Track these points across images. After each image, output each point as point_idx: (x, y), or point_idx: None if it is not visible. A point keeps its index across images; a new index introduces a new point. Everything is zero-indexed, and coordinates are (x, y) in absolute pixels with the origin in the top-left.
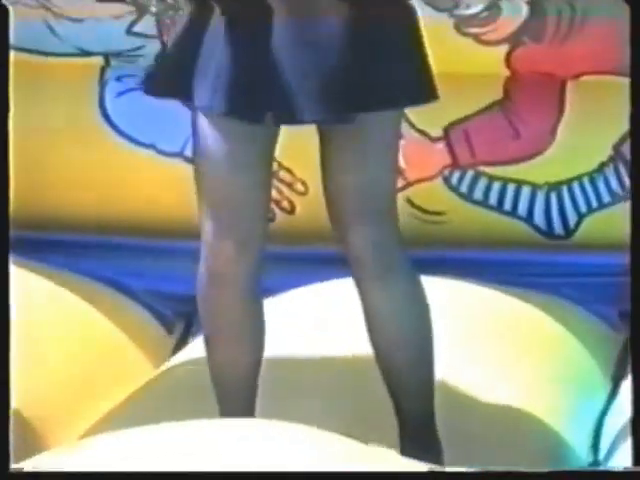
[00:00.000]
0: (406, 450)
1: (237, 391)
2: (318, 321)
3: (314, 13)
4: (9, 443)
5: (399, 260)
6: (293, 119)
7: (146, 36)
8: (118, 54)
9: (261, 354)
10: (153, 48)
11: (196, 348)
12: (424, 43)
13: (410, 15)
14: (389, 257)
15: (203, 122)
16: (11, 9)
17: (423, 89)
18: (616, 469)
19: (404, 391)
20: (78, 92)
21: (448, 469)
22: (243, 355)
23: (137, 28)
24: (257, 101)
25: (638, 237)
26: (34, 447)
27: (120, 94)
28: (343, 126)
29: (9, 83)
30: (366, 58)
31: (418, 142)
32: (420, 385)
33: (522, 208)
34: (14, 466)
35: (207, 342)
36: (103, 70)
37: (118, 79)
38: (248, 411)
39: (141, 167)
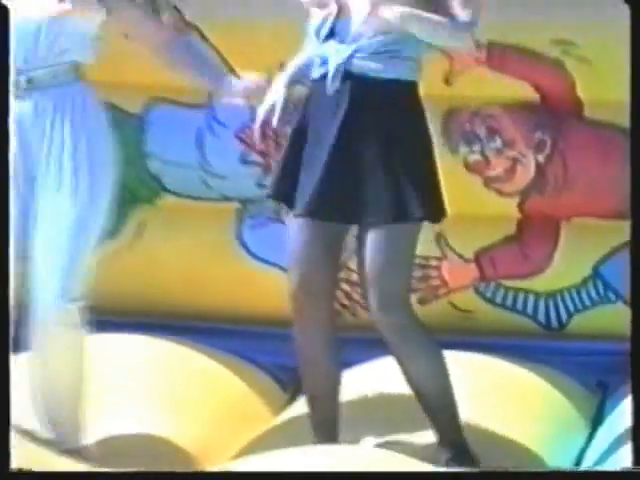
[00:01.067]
0: (444, 457)
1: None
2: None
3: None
4: (9, 443)
5: (418, 339)
6: (358, 221)
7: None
8: (251, 200)
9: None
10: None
11: (303, 403)
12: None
13: (429, 146)
14: (410, 339)
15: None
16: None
17: (439, 210)
18: (616, 469)
19: (433, 418)
20: (220, 224)
21: (448, 469)
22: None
23: (265, 182)
24: (330, 206)
25: (638, 237)
26: (189, 468)
27: (252, 225)
28: (376, 230)
29: (9, 83)
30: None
31: (457, 262)
32: (443, 415)
33: (529, 309)
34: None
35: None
36: (239, 210)
37: (251, 217)
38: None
39: (269, 276)
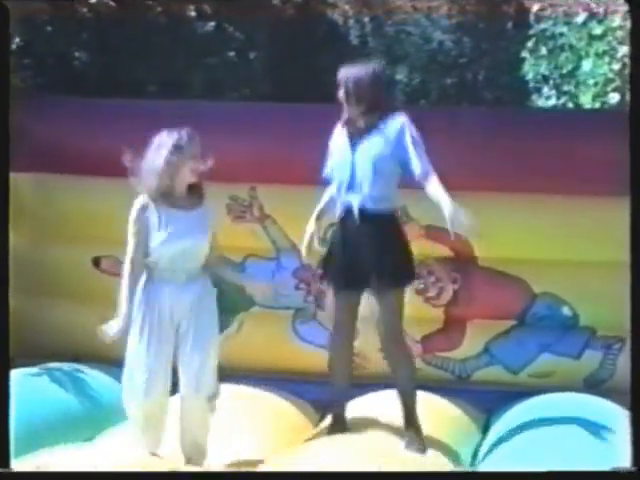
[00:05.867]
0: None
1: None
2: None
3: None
4: (9, 443)
5: (406, 355)
6: (369, 290)
7: None
8: (301, 309)
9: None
10: None
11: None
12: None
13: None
14: (401, 355)
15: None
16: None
17: (410, 274)
18: (616, 469)
19: (405, 401)
20: (284, 322)
21: (448, 469)
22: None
23: (309, 299)
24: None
25: (638, 240)
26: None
27: (301, 322)
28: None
29: (9, 82)
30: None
31: (411, 343)
32: (411, 398)
33: (450, 367)
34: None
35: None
36: (294, 314)
37: (300, 318)
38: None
39: (309, 350)
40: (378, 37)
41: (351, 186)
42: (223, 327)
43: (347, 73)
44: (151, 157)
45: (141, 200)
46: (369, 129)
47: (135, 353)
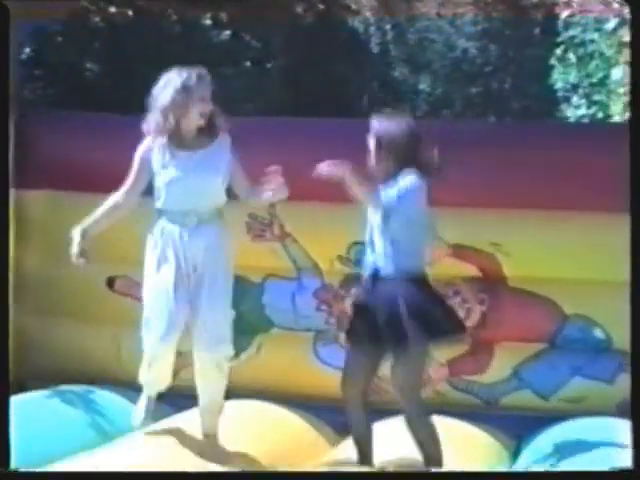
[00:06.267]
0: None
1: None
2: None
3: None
4: (9, 442)
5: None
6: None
7: None
8: (322, 331)
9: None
10: None
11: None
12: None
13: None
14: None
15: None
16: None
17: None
18: (616, 469)
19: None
20: (304, 344)
21: (448, 469)
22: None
23: (330, 320)
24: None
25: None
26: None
27: (322, 344)
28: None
29: (9, 82)
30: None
31: (436, 366)
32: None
33: (475, 391)
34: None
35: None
36: (315, 336)
37: (321, 340)
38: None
39: (331, 373)
40: (400, 44)
41: (371, 244)
42: (241, 349)
43: (382, 126)
44: (157, 95)
45: (146, 142)
46: (385, 183)
47: (152, 296)
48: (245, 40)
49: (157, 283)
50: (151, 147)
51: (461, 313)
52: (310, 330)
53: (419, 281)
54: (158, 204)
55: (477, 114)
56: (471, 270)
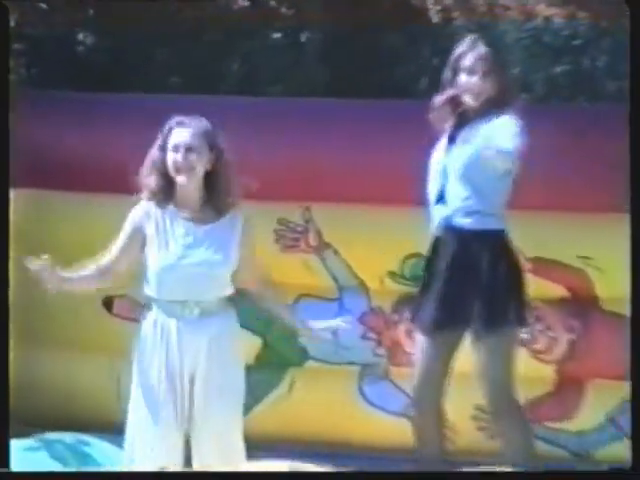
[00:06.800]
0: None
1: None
2: None
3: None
4: (9, 442)
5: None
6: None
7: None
8: (369, 365)
9: None
10: None
11: None
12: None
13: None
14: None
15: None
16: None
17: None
18: (616, 469)
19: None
20: (347, 381)
21: (447, 469)
22: None
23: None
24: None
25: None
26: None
27: (369, 382)
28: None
29: (9, 82)
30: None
31: None
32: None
33: (562, 442)
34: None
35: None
36: (361, 371)
37: (368, 376)
38: None
39: (380, 417)
40: (466, 11)
41: (441, 197)
42: (269, 388)
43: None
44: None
45: (141, 206)
46: (474, 122)
47: (137, 415)
48: (271, 6)
49: (144, 397)
50: (146, 213)
51: (543, 343)
52: (354, 364)
53: (505, 246)
54: (148, 290)
55: (563, 98)
56: (556, 290)
